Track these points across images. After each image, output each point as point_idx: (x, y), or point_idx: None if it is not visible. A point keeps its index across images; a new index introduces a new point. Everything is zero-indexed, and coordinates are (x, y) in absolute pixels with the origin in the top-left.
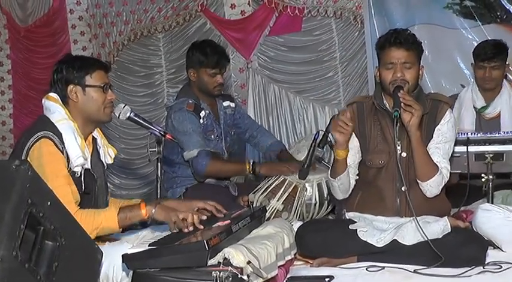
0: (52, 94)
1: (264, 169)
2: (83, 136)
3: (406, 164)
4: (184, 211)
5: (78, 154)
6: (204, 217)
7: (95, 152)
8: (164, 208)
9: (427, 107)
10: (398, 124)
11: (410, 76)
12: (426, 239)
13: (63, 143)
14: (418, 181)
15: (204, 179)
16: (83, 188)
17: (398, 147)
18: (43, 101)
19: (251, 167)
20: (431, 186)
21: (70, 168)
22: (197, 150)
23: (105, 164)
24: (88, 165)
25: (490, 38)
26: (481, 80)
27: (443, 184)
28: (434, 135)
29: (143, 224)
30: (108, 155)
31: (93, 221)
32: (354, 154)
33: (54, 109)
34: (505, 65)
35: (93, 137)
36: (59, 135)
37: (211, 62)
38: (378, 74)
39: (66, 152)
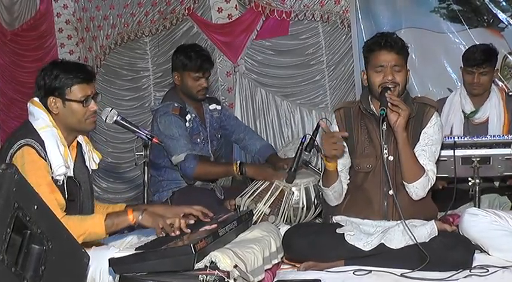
0: (36, 99)
1: (251, 171)
2: (67, 142)
3: (393, 167)
4: (171, 217)
5: (60, 163)
6: (191, 221)
7: (80, 158)
8: (151, 214)
9: (414, 110)
10: (384, 123)
11: (400, 79)
12: (413, 240)
13: (45, 151)
14: (405, 183)
15: (194, 181)
16: (66, 195)
17: (385, 151)
18: (28, 105)
19: (238, 168)
20: (418, 188)
21: (52, 176)
22: (184, 154)
23: (90, 170)
24: (71, 173)
25: (477, 42)
26: (469, 85)
27: (429, 186)
28: (420, 138)
29: (130, 228)
30: (92, 160)
31: (80, 227)
32: (344, 159)
33: (38, 115)
34: (493, 70)
35: (77, 142)
36: (41, 143)
37: (194, 66)
38: (365, 77)
39: (49, 160)
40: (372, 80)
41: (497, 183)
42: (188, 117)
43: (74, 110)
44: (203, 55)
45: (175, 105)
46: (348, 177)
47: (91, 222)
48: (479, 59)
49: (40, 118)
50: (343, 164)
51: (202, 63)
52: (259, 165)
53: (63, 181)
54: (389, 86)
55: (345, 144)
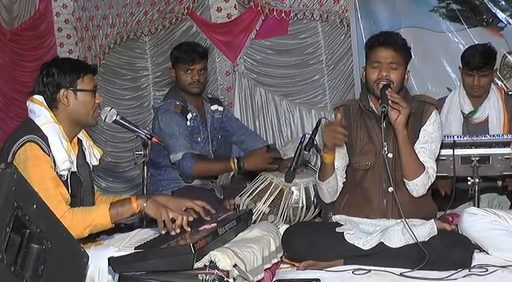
0: (37, 96)
1: (249, 163)
2: (69, 138)
3: (393, 164)
4: (173, 209)
5: (64, 158)
6: (191, 218)
7: (81, 154)
8: (155, 203)
9: (413, 108)
10: (385, 120)
11: (395, 76)
12: (413, 238)
13: (49, 146)
14: (405, 180)
15: (192, 180)
16: (70, 191)
17: (385, 148)
18: (28, 103)
19: (236, 164)
20: (418, 186)
21: (56, 172)
22: (182, 153)
23: (91, 166)
24: (74, 168)
25: (476, 42)
26: (469, 87)
27: (429, 184)
28: (420, 136)
29: (130, 228)
30: (94, 156)
31: (85, 219)
32: (341, 157)
33: (39, 112)
34: (493, 71)
35: (78, 138)
36: (45, 138)
37: (184, 58)
38: (364, 73)
39: (52, 155)
40: (368, 76)
41: (499, 183)
42: (189, 116)
43: (85, 101)
44: (194, 48)
45: (177, 103)
46: (345, 175)
47: (96, 213)
48: (478, 62)
49: (41, 115)
50: (340, 162)
51: (191, 54)
52: (254, 154)
53: (67, 176)
54: (383, 82)
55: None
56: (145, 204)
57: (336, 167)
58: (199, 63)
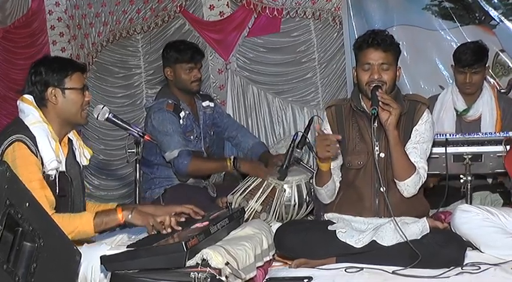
0: (27, 96)
1: (245, 166)
2: (58, 138)
3: (385, 164)
4: (162, 215)
5: (52, 158)
6: (182, 219)
7: (71, 154)
8: (141, 213)
9: (405, 107)
10: (375, 122)
11: (387, 77)
12: (404, 238)
13: (37, 146)
14: (396, 181)
15: (187, 178)
16: (57, 191)
17: (377, 148)
18: (18, 103)
19: (232, 163)
20: (409, 186)
21: (44, 171)
22: (178, 150)
23: (81, 165)
24: (63, 168)
25: (469, 40)
26: (461, 85)
27: (420, 184)
28: (411, 136)
29: (122, 226)
30: (83, 156)
31: (69, 225)
32: (336, 157)
33: (28, 111)
34: (485, 68)
35: (68, 138)
36: (33, 138)
37: (186, 57)
38: (355, 74)
39: (40, 155)
40: (359, 78)
41: (489, 180)
42: (182, 114)
43: (74, 99)
44: (193, 47)
45: (169, 101)
46: (340, 174)
47: (80, 221)
48: (470, 59)
49: (30, 114)
50: (335, 162)
51: (193, 54)
52: (252, 161)
53: (55, 176)
54: (377, 84)
55: (338, 144)
56: (130, 216)
57: (332, 168)
58: (200, 62)
